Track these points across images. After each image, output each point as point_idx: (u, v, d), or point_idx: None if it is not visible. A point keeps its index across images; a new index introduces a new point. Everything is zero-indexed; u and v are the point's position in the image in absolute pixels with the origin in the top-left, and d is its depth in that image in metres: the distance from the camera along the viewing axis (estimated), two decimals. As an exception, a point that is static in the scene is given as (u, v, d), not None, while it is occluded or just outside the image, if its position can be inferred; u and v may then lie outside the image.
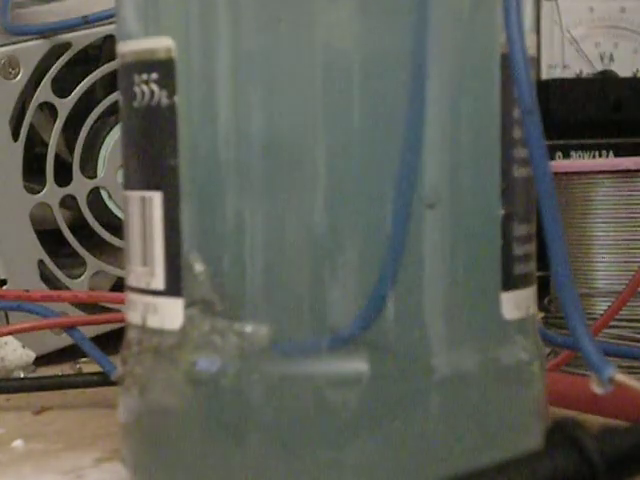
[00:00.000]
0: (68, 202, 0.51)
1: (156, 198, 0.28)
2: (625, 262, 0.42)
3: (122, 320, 0.44)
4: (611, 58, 0.67)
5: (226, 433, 0.27)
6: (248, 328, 0.26)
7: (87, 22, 0.50)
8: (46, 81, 0.49)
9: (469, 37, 0.27)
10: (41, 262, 0.50)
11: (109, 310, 0.50)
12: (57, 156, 0.50)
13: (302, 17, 0.26)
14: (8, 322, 0.48)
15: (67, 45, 0.50)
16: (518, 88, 0.26)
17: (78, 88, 0.50)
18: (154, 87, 0.27)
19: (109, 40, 0.51)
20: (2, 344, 0.46)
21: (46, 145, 0.50)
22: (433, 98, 0.26)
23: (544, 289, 0.42)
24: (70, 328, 0.42)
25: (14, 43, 0.49)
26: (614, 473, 0.22)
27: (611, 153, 0.61)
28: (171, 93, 0.27)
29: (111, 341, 0.46)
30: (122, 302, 0.29)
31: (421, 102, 0.26)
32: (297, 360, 0.26)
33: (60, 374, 0.44)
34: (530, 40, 0.28)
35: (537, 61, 0.65)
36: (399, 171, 0.26)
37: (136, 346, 0.28)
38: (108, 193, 0.51)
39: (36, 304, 0.44)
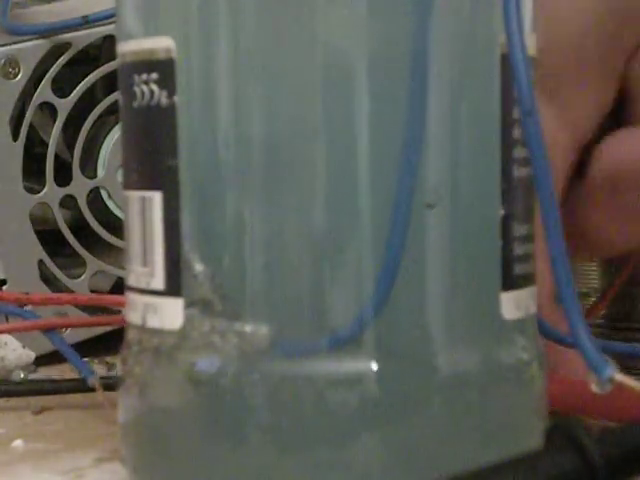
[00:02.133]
0: (68, 202, 0.51)
1: (156, 198, 0.28)
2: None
3: (107, 323, 0.45)
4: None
5: (226, 433, 0.27)
6: (248, 328, 0.26)
7: (87, 22, 0.50)
8: (46, 81, 0.49)
9: (469, 37, 0.27)
10: (41, 262, 0.50)
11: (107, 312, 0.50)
12: (57, 156, 0.50)
13: (302, 17, 0.26)
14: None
15: (67, 45, 0.50)
16: (518, 88, 0.26)
17: (78, 88, 0.50)
18: (154, 87, 0.27)
19: (109, 40, 0.51)
20: (2, 344, 0.46)
21: (46, 145, 0.50)
22: (433, 98, 0.26)
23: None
24: (49, 331, 0.42)
25: (14, 43, 0.49)
26: (614, 473, 0.22)
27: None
28: (171, 93, 0.27)
29: (111, 341, 0.46)
30: (122, 304, 0.29)
31: (421, 102, 0.26)
32: (297, 360, 0.26)
33: (59, 378, 0.44)
34: (530, 40, 0.28)
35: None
36: (399, 171, 0.26)
37: (136, 346, 0.28)
38: (108, 193, 0.51)
39: (15, 306, 0.45)
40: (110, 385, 0.38)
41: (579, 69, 0.34)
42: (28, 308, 0.48)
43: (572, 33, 0.34)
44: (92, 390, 0.39)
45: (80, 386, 0.40)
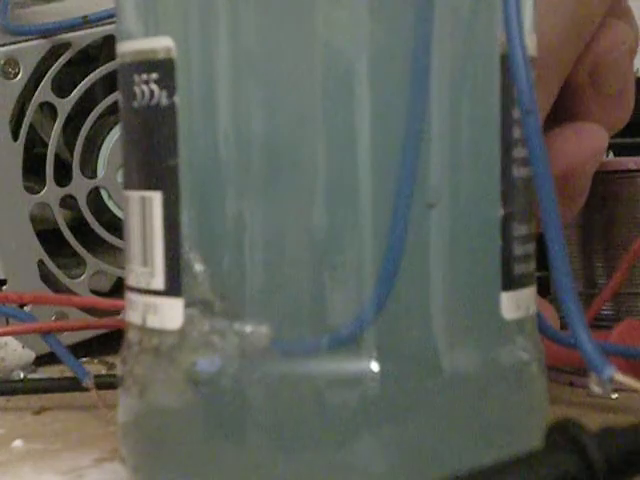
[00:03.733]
0: (68, 202, 0.51)
1: (156, 198, 0.28)
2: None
3: (106, 326, 0.45)
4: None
5: (226, 433, 0.27)
6: (248, 328, 0.26)
7: (87, 22, 0.50)
8: (46, 81, 0.49)
9: (469, 37, 0.27)
10: (41, 262, 0.50)
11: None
12: (57, 156, 0.50)
13: (302, 17, 0.26)
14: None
15: (67, 45, 0.50)
16: (518, 88, 0.26)
17: (78, 88, 0.50)
18: (154, 87, 0.27)
19: (109, 40, 0.51)
20: (2, 344, 0.46)
21: (46, 145, 0.50)
22: (433, 98, 0.26)
23: (544, 289, 0.42)
24: (45, 334, 0.42)
25: (14, 43, 0.49)
26: (614, 473, 0.22)
27: (611, 153, 0.61)
28: (171, 93, 0.27)
29: (111, 341, 0.46)
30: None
31: (421, 102, 0.26)
32: (297, 360, 0.26)
33: (59, 377, 0.44)
34: (530, 40, 0.28)
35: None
36: (399, 171, 0.26)
37: (136, 346, 0.28)
38: (108, 193, 0.51)
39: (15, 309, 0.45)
40: (108, 383, 0.38)
41: (552, 64, 0.36)
42: (27, 309, 0.48)
43: (553, 34, 0.36)
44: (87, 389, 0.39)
45: (77, 385, 0.40)
